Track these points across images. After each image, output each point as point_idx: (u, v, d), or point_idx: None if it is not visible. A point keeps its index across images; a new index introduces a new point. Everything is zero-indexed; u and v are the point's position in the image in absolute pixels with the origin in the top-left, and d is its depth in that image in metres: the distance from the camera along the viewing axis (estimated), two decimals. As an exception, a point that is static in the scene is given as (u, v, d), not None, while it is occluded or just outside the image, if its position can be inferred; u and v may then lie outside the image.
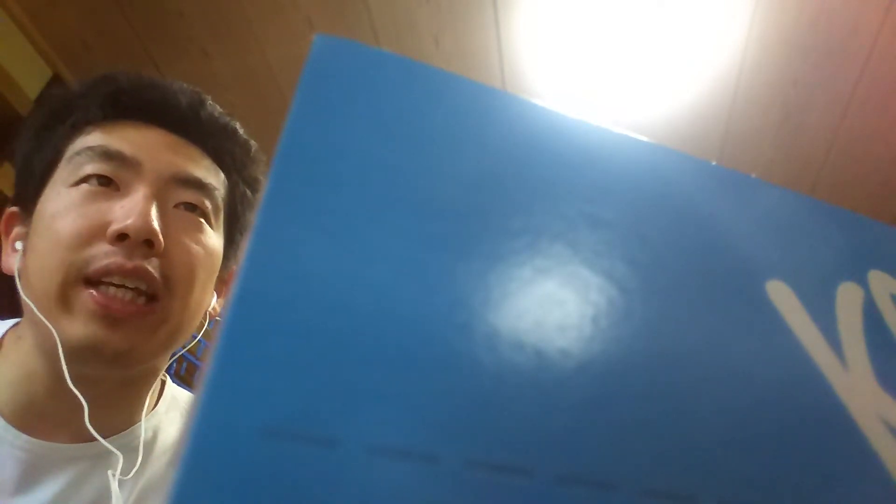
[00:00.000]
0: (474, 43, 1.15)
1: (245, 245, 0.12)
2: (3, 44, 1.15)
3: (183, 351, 0.54)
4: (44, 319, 0.41)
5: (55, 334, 0.41)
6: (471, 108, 0.15)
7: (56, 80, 1.25)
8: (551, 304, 0.13)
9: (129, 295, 0.42)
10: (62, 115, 0.48)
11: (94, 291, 0.41)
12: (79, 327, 0.41)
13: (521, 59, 1.16)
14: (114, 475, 0.43)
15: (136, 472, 0.46)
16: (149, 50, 1.22)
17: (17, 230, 0.49)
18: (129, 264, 0.42)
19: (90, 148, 0.46)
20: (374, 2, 1.10)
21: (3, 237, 0.50)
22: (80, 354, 0.41)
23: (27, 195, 0.48)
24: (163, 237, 0.43)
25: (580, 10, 1.07)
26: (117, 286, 0.42)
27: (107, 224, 0.43)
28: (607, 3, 1.06)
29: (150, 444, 0.49)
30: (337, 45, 0.14)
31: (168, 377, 0.55)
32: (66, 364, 0.41)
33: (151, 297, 0.44)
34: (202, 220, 0.48)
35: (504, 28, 1.12)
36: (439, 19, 1.11)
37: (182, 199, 0.47)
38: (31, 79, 1.22)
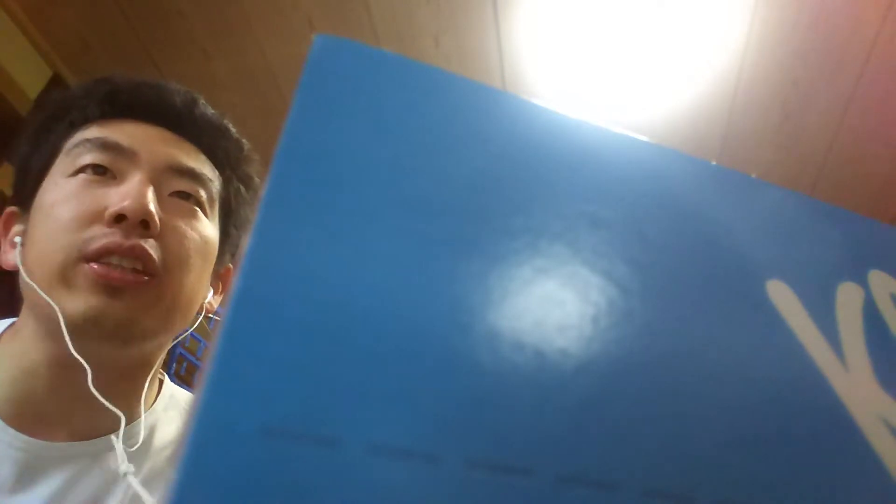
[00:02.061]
0: (474, 43, 1.15)
1: (244, 244, 0.12)
2: (3, 44, 1.15)
3: (181, 350, 0.54)
4: (45, 296, 0.42)
5: (57, 309, 0.42)
6: (471, 108, 0.15)
7: (56, 80, 1.25)
8: (551, 305, 0.13)
9: (127, 268, 0.43)
10: (60, 115, 0.50)
11: (94, 265, 0.43)
12: (80, 301, 0.42)
13: (521, 59, 1.16)
14: (128, 471, 0.43)
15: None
16: (149, 50, 1.21)
17: (15, 228, 0.50)
18: (127, 243, 0.43)
19: (88, 140, 0.47)
20: (374, 2, 1.10)
21: (1, 236, 0.50)
22: (81, 327, 0.42)
23: (25, 192, 0.49)
24: (158, 221, 0.44)
25: (580, 10, 1.07)
26: (115, 265, 0.43)
27: (104, 208, 0.44)
28: (607, 3, 1.06)
29: (148, 441, 0.49)
30: (337, 45, 0.14)
31: (167, 376, 0.55)
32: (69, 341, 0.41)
33: (149, 275, 0.45)
34: (196, 208, 0.49)
35: (504, 28, 1.12)
36: (439, 19, 1.11)
37: (177, 188, 0.48)
38: (31, 79, 1.22)
